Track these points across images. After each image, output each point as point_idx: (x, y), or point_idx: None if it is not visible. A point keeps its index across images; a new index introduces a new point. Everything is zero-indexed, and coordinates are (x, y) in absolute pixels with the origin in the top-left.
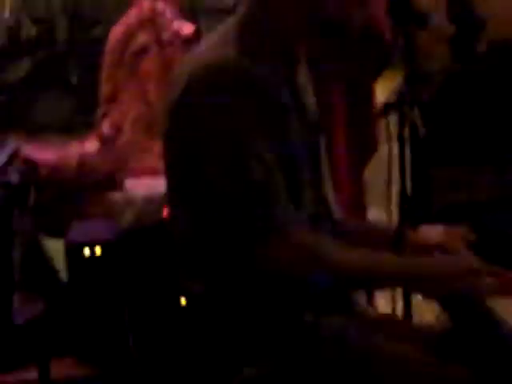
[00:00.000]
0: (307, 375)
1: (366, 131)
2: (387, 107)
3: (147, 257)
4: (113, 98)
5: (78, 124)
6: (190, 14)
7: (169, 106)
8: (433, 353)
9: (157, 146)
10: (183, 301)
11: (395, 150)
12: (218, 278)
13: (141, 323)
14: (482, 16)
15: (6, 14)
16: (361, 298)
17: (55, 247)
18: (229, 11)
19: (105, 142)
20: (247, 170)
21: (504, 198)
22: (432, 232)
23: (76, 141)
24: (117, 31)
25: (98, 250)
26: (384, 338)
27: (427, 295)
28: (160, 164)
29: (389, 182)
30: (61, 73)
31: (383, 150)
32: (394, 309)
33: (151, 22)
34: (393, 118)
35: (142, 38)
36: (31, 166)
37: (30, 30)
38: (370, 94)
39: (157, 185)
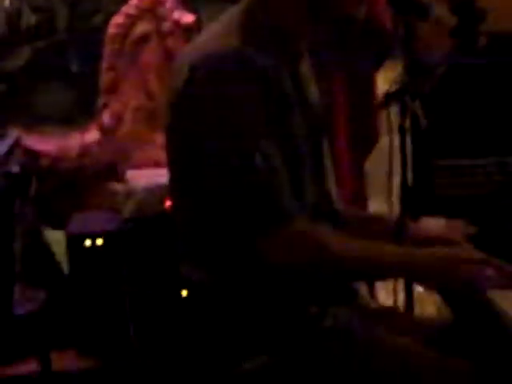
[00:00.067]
0: (310, 367)
1: (367, 122)
2: (388, 98)
3: (148, 248)
4: (113, 89)
5: (78, 114)
6: (190, 2)
7: (171, 97)
8: (434, 345)
9: (158, 137)
10: (184, 292)
11: (396, 142)
12: (220, 267)
13: (142, 314)
14: (483, 8)
15: (6, 2)
16: (362, 290)
17: (56, 238)
18: (230, 0)
19: (105, 132)
20: (250, 162)
21: (505, 191)
22: (433, 224)
23: (77, 131)
24: (117, 20)
25: (99, 241)
26: (385, 331)
27: (428, 286)
28: (161, 155)
29: (390, 174)
30: (61, 61)
31: (384, 141)
32: (395, 301)
33: (151, 11)
34: (394, 109)
35: (143, 27)
36: (32, 156)
37: (29, 19)
38: (370, 85)
39: (158, 175)
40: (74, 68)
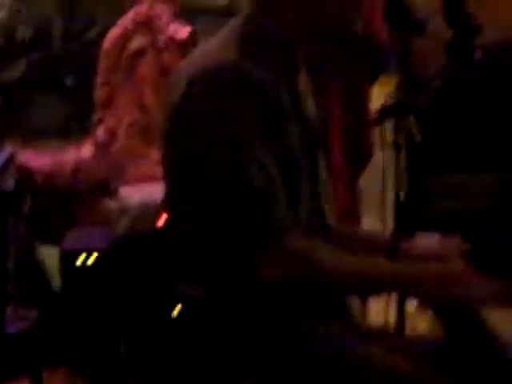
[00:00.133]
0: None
1: (361, 138)
2: (382, 113)
3: (142, 265)
4: (108, 103)
5: (73, 129)
6: (186, 15)
7: (168, 112)
8: (425, 365)
9: (152, 152)
10: (178, 310)
11: (390, 157)
12: (215, 283)
13: (134, 333)
14: (478, 21)
15: (2, 14)
16: (354, 306)
17: (50, 254)
18: (225, 13)
19: (99, 147)
20: (247, 176)
21: (500, 206)
22: (427, 240)
23: (72, 145)
24: (113, 34)
25: (92, 258)
26: (377, 349)
27: (422, 301)
28: (156, 170)
29: (384, 190)
30: (56, 74)
31: (378, 157)
32: (386, 317)
33: (147, 25)
34: (388, 125)
35: (138, 41)
36: (26, 174)
37: (25, 31)
38: (365, 100)
39: (152, 192)
40: (69, 81)
